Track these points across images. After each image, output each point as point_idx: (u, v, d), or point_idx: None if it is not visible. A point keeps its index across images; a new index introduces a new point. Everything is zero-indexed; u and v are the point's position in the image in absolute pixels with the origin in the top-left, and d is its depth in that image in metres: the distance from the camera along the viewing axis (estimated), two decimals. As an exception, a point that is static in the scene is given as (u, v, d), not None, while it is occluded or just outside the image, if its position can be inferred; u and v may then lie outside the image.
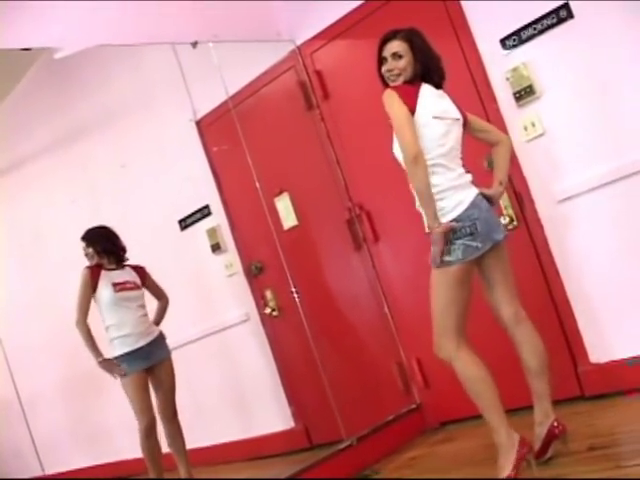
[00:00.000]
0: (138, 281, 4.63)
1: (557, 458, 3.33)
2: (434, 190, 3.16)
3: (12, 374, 4.69)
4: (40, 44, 4.14)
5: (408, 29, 3.36)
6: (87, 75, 5.43)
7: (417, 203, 3.25)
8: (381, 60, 3.36)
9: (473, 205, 3.20)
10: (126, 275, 4.60)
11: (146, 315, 4.62)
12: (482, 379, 3.20)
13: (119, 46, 4.45)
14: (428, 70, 3.33)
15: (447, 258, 3.16)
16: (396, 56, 3.30)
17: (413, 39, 3.32)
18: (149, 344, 4.52)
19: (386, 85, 3.34)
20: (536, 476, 3.19)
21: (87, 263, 4.58)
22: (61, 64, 4.38)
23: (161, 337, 4.61)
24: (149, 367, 4.50)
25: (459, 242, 3.16)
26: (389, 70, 3.32)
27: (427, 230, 3.23)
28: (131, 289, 4.58)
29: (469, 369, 3.21)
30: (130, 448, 4.48)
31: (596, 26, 3.80)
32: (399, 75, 3.29)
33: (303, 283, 4.92)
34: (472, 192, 3.26)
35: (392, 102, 3.19)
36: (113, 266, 4.58)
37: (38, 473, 4.97)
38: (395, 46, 3.31)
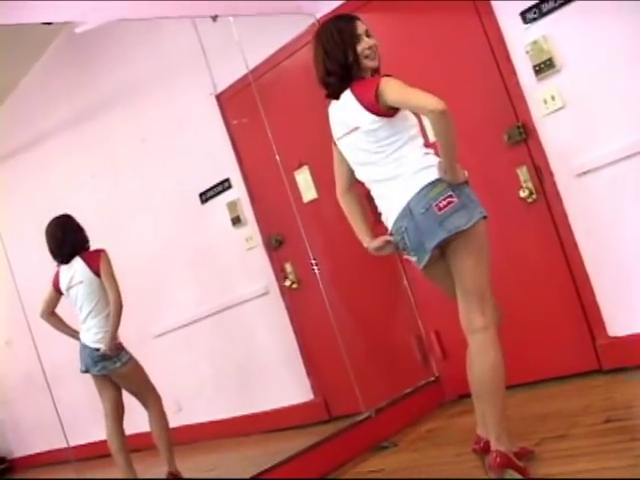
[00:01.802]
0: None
1: (574, 429, 3.36)
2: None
3: (37, 348, 4.75)
4: (61, 19, 4.16)
5: None
6: (108, 49, 5.46)
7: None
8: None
9: (403, 214, 3.04)
10: None
11: None
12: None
13: (139, 20, 4.47)
14: None
15: None
16: (368, 33, 3.07)
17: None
18: None
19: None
20: (553, 448, 3.22)
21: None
22: (82, 39, 4.39)
23: None
24: None
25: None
26: (372, 47, 3.05)
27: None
28: None
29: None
30: (147, 421, 4.53)
31: (617, -1, 3.77)
32: (376, 52, 3.07)
33: (322, 256, 4.95)
34: (405, 197, 3.03)
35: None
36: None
37: (62, 445, 5.04)
38: (364, 25, 3.08)
